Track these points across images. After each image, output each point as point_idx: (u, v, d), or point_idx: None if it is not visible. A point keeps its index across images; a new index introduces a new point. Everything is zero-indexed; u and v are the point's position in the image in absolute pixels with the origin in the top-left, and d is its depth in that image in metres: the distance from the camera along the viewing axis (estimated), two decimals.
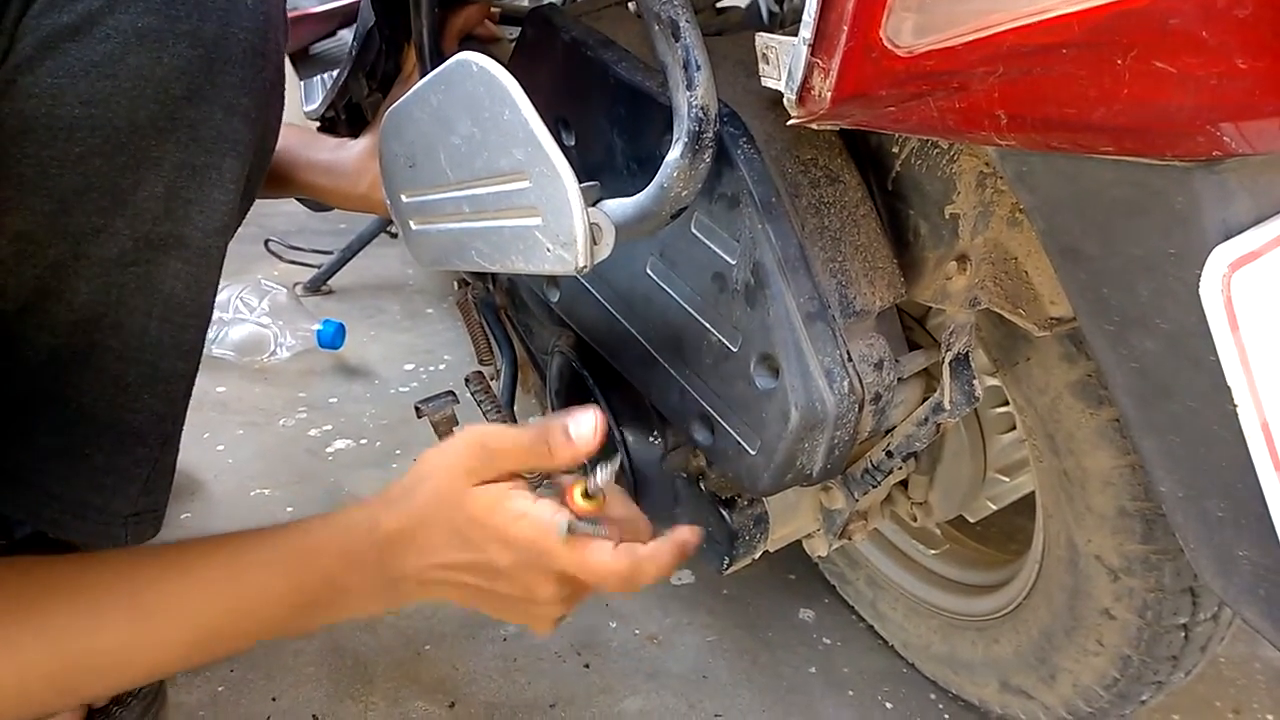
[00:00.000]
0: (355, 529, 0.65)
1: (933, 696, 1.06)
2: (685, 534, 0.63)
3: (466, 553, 0.62)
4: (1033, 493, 0.84)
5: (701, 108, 0.55)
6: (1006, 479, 0.88)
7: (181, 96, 0.62)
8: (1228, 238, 0.43)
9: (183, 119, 0.63)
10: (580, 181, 0.56)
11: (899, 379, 0.69)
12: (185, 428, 0.83)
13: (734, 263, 0.65)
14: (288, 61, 1.28)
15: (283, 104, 0.75)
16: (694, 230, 0.67)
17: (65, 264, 0.65)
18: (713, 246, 0.66)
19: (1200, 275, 0.43)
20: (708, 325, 0.68)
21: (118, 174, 0.62)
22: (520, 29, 0.82)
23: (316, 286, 1.92)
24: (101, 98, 0.59)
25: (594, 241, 0.58)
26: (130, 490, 0.76)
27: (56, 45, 0.57)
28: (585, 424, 0.62)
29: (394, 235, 1.98)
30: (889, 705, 1.05)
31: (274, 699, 1.00)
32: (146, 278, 0.68)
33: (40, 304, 0.66)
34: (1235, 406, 0.45)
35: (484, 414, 1.08)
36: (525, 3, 0.95)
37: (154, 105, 0.61)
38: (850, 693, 1.06)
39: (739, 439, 0.68)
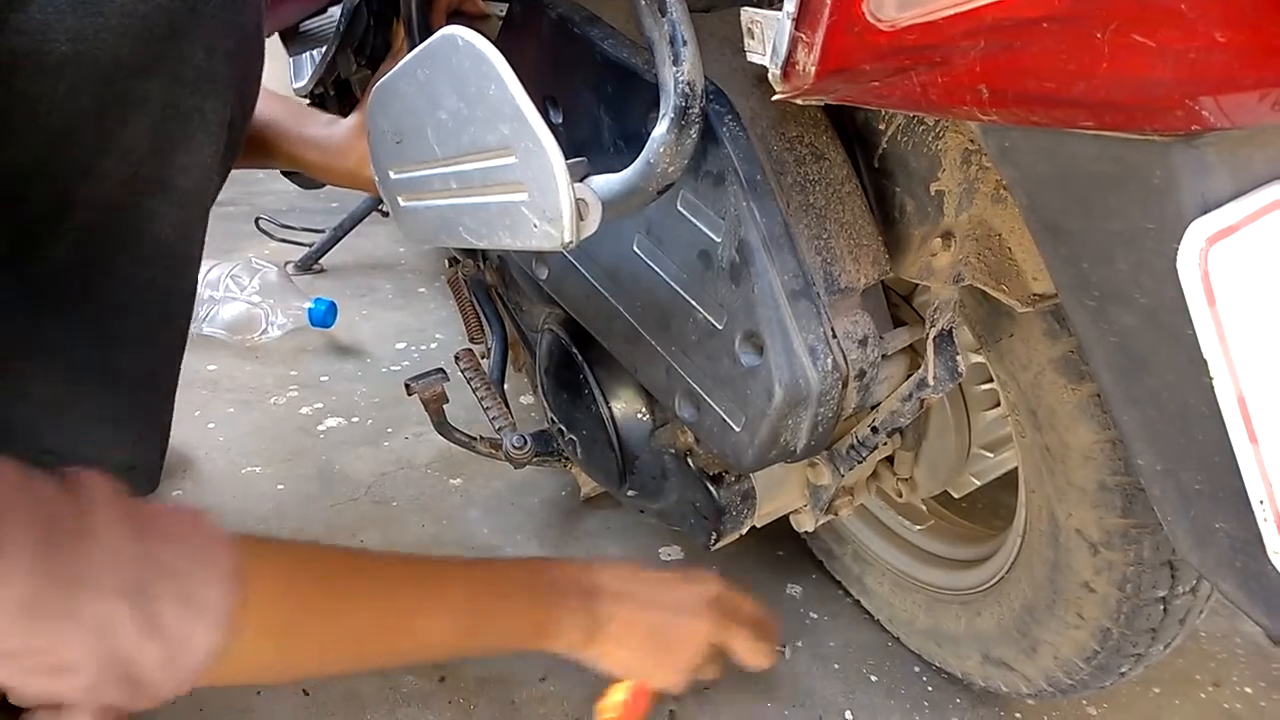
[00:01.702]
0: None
1: (917, 669, 1.07)
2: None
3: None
4: (1016, 468, 0.85)
5: (688, 83, 0.56)
6: (990, 455, 0.89)
7: (164, 34, 0.63)
8: (1205, 212, 0.44)
9: (166, 56, 0.64)
10: (567, 158, 0.56)
11: (884, 355, 0.69)
12: (176, 406, 0.83)
13: (719, 240, 0.65)
14: (278, 39, 1.28)
15: (263, 51, 0.75)
16: (680, 208, 0.68)
17: (53, 208, 0.65)
18: (698, 224, 0.66)
19: (1178, 249, 0.44)
20: (693, 303, 0.69)
21: (104, 112, 0.63)
22: (508, 5, 0.82)
23: (308, 265, 1.92)
24: (89, 34, 0.60)
25: (580, 217, 0.58)
26: (123, 440, 0.77)
27: None
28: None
29: (386, 214, 1.98)
30: (874, 678, 1.06)
31: None
32: (135, 222, 0.69)
33: (29, 251, 0.67)
34: (1211, 379, 0.46)
35: (473, 391, 1.09)
36: None
37: (138, 42, 0.62)
38: (836, 666, 1.07)
39: (724, 416, 0.68)
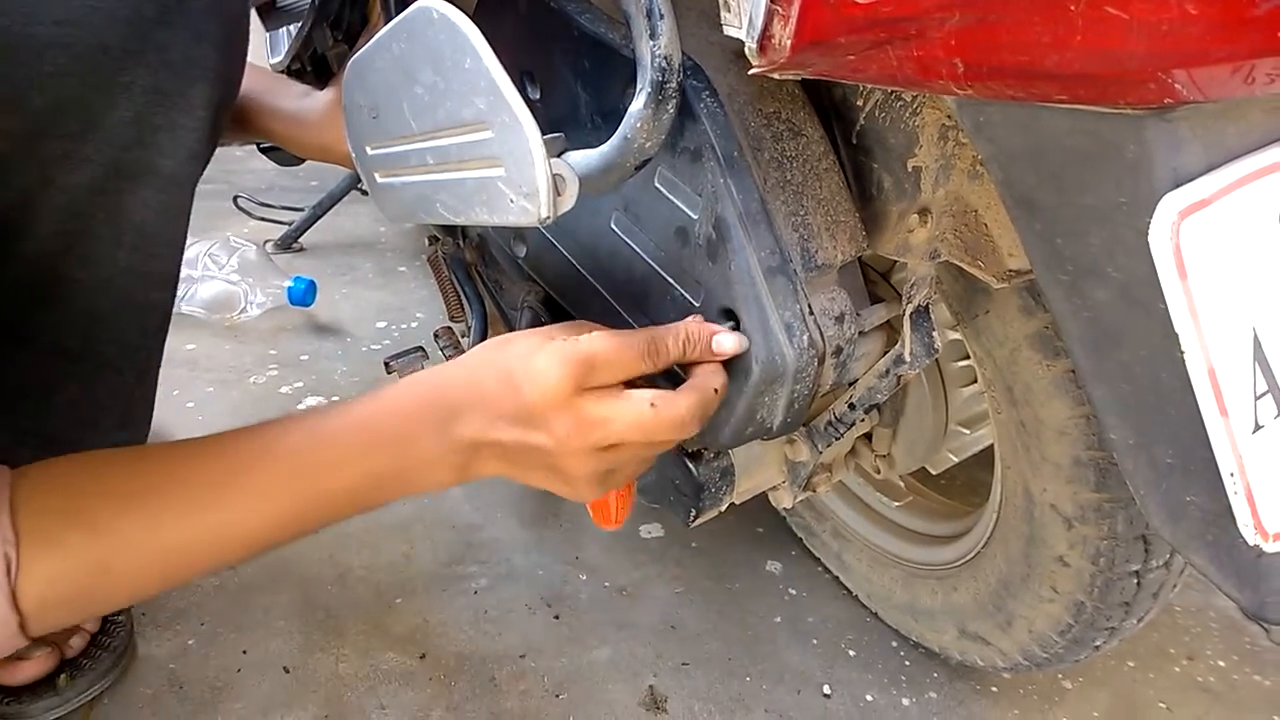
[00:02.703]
0: (420, 392, 0.63)
1: (894, 644, 1.08)
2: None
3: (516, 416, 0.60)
4: (994, 445, 0.85)
5: (665, 57, 0.55)
6: (967, 431, 0.90)
7: (152, 19, 0.62)
8: (1178, 186, 0.44)
9: (153, 42, 0.63)
10: (545, 133, 0.56)
11: (861, 332, 0.69)
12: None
13: (696, 217, 0.65)
14: (254, 14, 1.26)
15: (248, 36, 0.75)
16: (657, 184, 0.67)
17: (34, 193, 0.65)
18: (675, 201, 0.66)
19: (1150, 223, 0.44)
20: (670, 280, 0.68)
21: (89, 97, 0.63)
22: None
23: (287, 244, 1.91)
24: (75, 17, 0.59)
25: (557, 192, 0.57)
26: (106, 421, 0.77)
27: None
28: (728, 342, 0.62)
29: (365, 192, 1.96)
30: (852, 653, 1.07)
31: (244, 652, 1.00)
32: (116, 206, 0.68)
33: (8, 236, 0.66)
34: (1183, 353, 0.46)
35: None
36: None
37: (125, 27, 0.61)
38: (815, 641, 1.08)
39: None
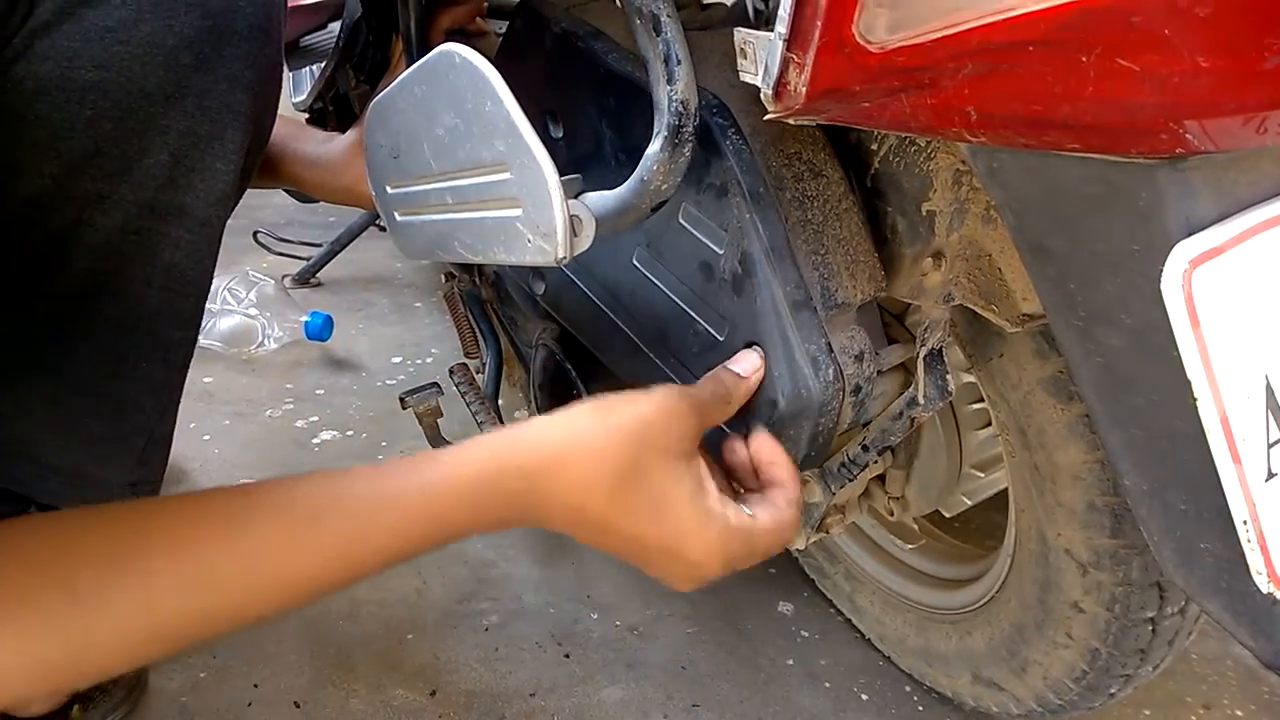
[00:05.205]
0: (490, 469, 0.54)
1: (908, 689, 1.07)
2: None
3: (625, 497, 0.54)
4: (1008, 489, 0.85)
5: (681, 102, 0.56)
6: (981, 474, 0.90)
7: (190, 65, 0.64)
8: (1190, 234, 0.44)
9: (190, 88, 0.65)
10: (565, 174, 0.57)
11: (878, 372, 0.70)
12: None
13: (721, 252, 0.65)
14: None
15: (281, 82, 0.76)
16: (681, 221, 0.68)
17: (69, 231, 0.66)
18: (700, 237, 0.67)
19: (1163, 272, 0.45)
20: (694, 315, 0.69)
21: (126, 140, 0.64)
22: (508, 22, 0.83)
23: (305, 279, 1.92)
24: (115, 62, 0.60)
25: (574, 233, 0.58)
26: (127, 459, 0.77)
27: (73, 10, 0.59)
28: (747, 361, 0.65)
29: (383, 229, 1.98)
30: (865, 697, 1.06)
31: (256, 686, 1.00)
32: (148, 246, 0.69)
33: (41, 273, 0.67)
34: (1196, 401, 0.46)
35: (467, 405, 1.09)
36: None
37: (163, 72, 0.63)
38: (827, 685, 1.07)
39: (724, 427, 0.68)
